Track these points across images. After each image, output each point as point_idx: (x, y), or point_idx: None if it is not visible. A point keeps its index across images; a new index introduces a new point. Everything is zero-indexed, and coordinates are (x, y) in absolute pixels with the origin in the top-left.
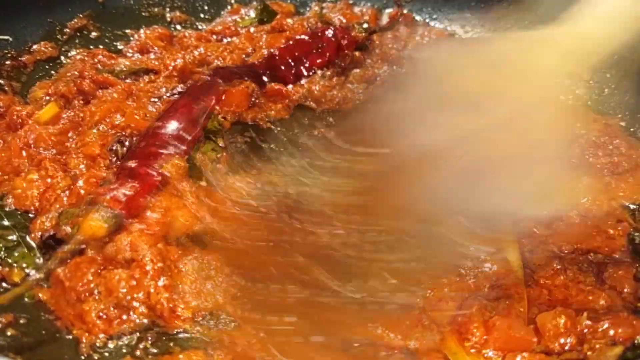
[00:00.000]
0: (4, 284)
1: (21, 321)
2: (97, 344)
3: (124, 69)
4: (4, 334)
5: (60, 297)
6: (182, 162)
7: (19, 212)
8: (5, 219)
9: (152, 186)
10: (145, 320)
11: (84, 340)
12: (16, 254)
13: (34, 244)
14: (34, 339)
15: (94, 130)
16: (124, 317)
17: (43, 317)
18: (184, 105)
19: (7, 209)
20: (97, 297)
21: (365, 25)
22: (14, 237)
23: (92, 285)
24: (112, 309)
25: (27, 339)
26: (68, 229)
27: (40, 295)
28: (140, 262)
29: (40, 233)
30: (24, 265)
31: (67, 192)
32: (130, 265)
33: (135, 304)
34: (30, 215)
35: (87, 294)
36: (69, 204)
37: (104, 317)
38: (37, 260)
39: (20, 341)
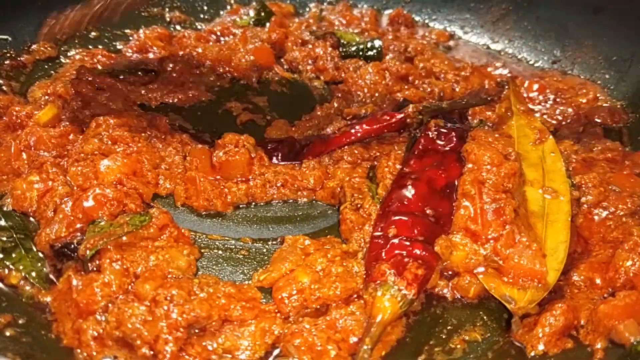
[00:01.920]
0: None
1: (20, 321)
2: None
3: (123, 69)
4: (3, 334)
5: (62, 304)
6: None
7: (17, 214)
8: (2, 219)
9: (434, 267)
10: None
11: (78, 351)
12: (14, 256)
13: (34, 247)
14: (33, 340)
15: (95, 140)
16: (123, 350)
17: (42, 318)
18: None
19: (5, 209)
20: (101, 320)
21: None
22: (11, 239)
23: (97, 306)
24: (111, 342)
25: (26, 339)
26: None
27: (39, 297)
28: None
29: (51, 243)
30: (21, 267)
31: (66, 199)
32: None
33: (138, 342)
34: (32, 219)
35: (89, 314)
36: (72, 213)
37: (99, 339)
38: (39, 264)
39: (19, 341)
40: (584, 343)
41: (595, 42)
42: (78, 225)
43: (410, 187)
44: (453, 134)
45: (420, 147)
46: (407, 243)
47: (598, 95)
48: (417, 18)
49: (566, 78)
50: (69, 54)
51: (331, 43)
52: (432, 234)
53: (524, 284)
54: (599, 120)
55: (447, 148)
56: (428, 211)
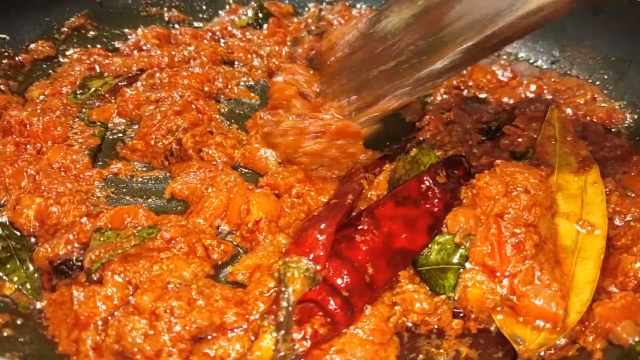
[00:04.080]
0: None
1: (18, 322)
2: None
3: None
4: (1, 334)
5: (58, 311)
6: None
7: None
8: None
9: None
10: None
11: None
12: (8, 266)
13: (27, 258)
14: (31, 340)
15: None
16: None
17: (39, 318)
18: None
19: (1, 219)
20: (100, 332)
21: None
22: (7, 248)
23: (98, 318)
24: (110, 354)
25: (24, 339)
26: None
27: (37, 304)
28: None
29: (50, 259)
30: (15, 278)
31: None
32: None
33: (138, 357)
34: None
35: (88, 325)
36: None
37: (98, 350)
38: (35, 276)
39: (17, 341)
40: (583, 345)
41: (594, 43)
42: (76, 245)
43: (365, 232)
44: (445, 194)
45: (404, 192)
46: (329, 289)
47: (596, 95)
48: None
49: (564, 79)
50: (67, 53)
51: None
52: (358, 294)
53: (537, 325)
54: (597, 121)
55: (427, 206)
56: (369, 270)
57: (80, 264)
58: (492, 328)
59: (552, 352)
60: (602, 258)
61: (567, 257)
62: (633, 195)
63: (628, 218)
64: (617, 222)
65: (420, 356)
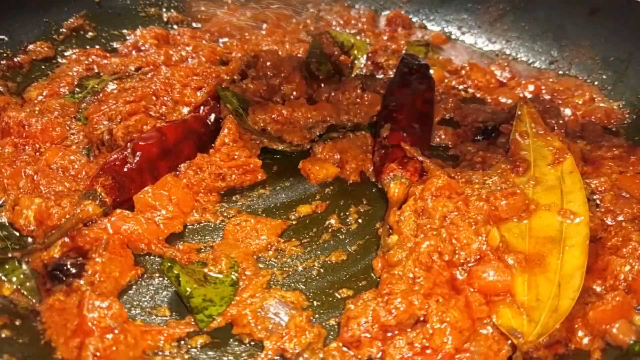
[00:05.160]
0: None
1: (16, 323)
2: None
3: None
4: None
5: (57, 316)
6: None
7: (13, 227)
8: None
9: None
10: None
11: None
12: (7, 267)
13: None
14: (29, 341)
15: None
16: None
17: (37, 320)
18: None
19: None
20: (103, 339)
21: None
22: (6, 249)
23: (104, 324)
24: None
25: (22, 340)
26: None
27: (35, 307)
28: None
29: (45, 262)
30: (14, 279)
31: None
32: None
33: None
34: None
35: (91, 332)
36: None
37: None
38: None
39: (15, 343)
40: (581, 347)
41: (592, 43)
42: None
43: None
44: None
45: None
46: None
47: (594, 95)
48: (414, 19)
49: (562, 79)
50: (65, 54)
51: (326, 43)
52: (419, 140)
53: (532, 315)
54: (595, 121)
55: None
56: (415, 125)
57: (74, 270)
58: None
59: (541, 351)
60: (588, 243)
61: (554, 248)
62: (627, 195)
63: (620, 218)
64: (609, 222)
65: None
